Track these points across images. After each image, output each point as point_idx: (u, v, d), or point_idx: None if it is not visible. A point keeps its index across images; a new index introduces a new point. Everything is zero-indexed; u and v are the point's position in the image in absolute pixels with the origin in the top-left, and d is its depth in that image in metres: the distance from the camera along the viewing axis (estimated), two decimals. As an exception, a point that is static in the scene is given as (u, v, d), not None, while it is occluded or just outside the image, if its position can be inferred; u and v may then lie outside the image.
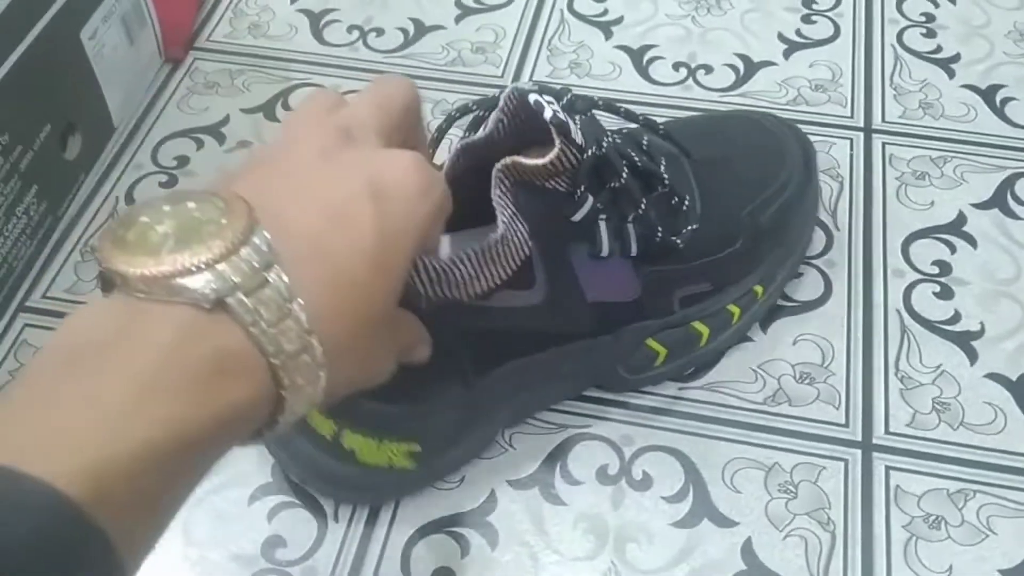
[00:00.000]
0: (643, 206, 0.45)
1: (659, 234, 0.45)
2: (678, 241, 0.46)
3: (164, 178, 0.61)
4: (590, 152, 0.42)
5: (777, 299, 0.53)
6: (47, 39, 0.55)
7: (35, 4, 0.54)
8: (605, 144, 0.43)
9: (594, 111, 0.44)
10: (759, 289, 0.51)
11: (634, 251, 0.45)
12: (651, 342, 0.48)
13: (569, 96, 0.44)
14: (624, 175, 0.44)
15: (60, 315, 0.54)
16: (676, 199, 0.47)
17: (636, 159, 0.45)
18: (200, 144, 0.63)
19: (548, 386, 0.49)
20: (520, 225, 0.42)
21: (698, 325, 0.49)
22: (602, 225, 0.44)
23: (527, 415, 0.49)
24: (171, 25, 0.68)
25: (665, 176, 0.46)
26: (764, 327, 0.53)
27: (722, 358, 0.52)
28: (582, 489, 0.47)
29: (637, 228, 0.45)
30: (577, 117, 0.43)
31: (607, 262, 0.45)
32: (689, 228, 0.47)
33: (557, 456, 0.49)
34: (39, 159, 0.55)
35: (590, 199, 0.43)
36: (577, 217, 0.43)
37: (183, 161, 0.62)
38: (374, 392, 0.36)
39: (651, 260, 0.46)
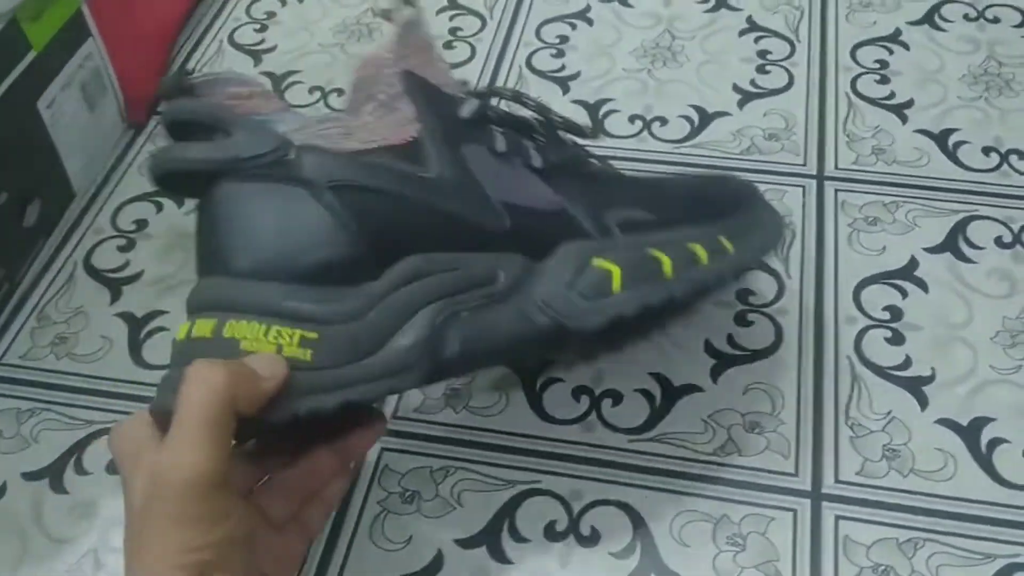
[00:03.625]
0: (540, 138, 0.46)
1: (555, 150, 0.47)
2: (583, 127, 0.48)
3: (123, 242, 0.61)
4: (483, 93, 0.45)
5: (753, 265, 0.55)
6: (3, 110, 0.56)
7: (-10, 76, 0.55)
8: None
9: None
10: (726, 243, 0.48)
11: (537, 162, 0.45)
12: (598, 260, 0.45)
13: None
14: (533, 100, 0.47)
15: (15, 381, 0.55)
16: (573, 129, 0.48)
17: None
18: (160, 207, 0.63)
19: (488, 312, 0.43)
20: (404, 105, 0.42)
21: (654, 251, 0.46)
22: (497, 132, 0.45)
23: (475, 344, 0.42)
24: (134, 90, 0.68)
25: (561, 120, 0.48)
26: (714, 377, 0.53)
27: (672, 408, 0.52)
28: (530, 547, 0.47)
29: (537, 149, 0.46)
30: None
31: (512, 169, 0.45)
32: (585, 126, 0.48)
33: (505, 513, 0.48)
34: (-5, 227, 0.56)
35: (475, 100, 0.44)
36: (466, 112, 0.44)
37: (142, 224, 0.62)
38: (264, 274, 0.38)
39: (562, 180, 0.46)
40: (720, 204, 0.51)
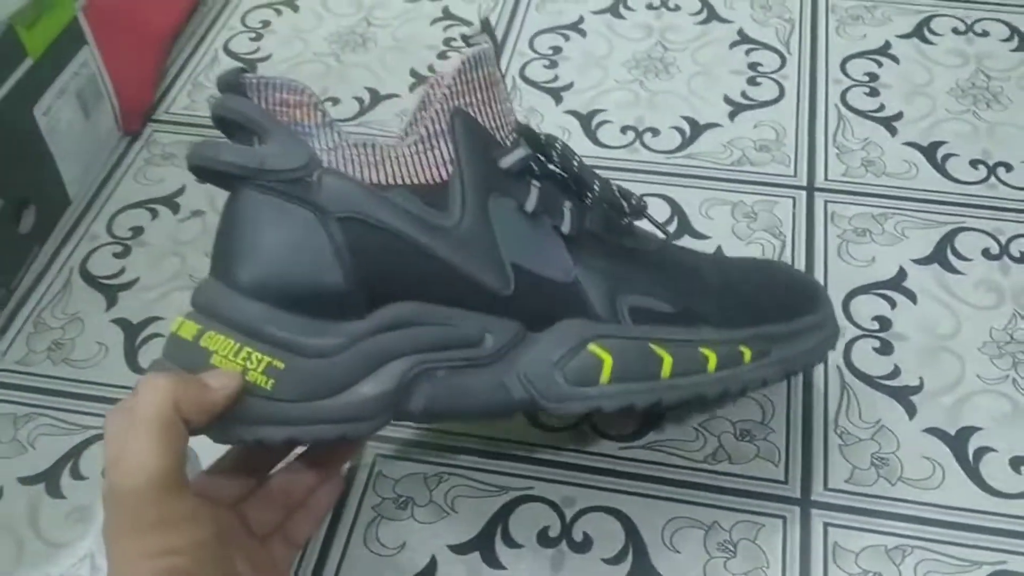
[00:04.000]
0: (589, 197, 0.44)
1: (588, 202, 0.44)
2: (625, 210, 0.45)
3: (118, 248, 0.62)
4: (539, 136, 0.44)
5: (778, 381, 0.50)
6: None
7: (-13, 83, 0.55)
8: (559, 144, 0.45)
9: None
10: (746, 351, 0.46)
11: (567, 227, 0.43)
12: (594, 346, 0.44)
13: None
14: (578, 160, 0.44)
15: (11, 387, 0.55)
16: (624, 199, 0.45)
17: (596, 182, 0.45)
18: (155, 214, 0.64)
19: (464, 377, 0.42)
20: (444, 144, 0.41)
21: (657, 347, 0.44)
22: (534, 188, 0.43)
23: (443, 405, 0.42)
24: (129, 98, 0.69)
25: (615, 188, 0.45)
26: (706, 386, 0.53)
27: (664, 416, 0.52)
28: (523, 553, 0.48)
29: (575, 212, 0.44)
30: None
31: (536, 230, 0.43)
32: (628, 216, 0.45)
33: (498, 519, 0.49)
34: (-9, 233, 0.56)
35: (525, 148, 0.43)
36: (507, 162, 0.42)
37: (137, 231, 0.63)
38: (256, 292, 0.39)
39: (586, 250, 0.44)
40: (763, 304, 0.48)
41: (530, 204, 0.43)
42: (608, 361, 0.43)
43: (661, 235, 0.49)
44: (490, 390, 0.43)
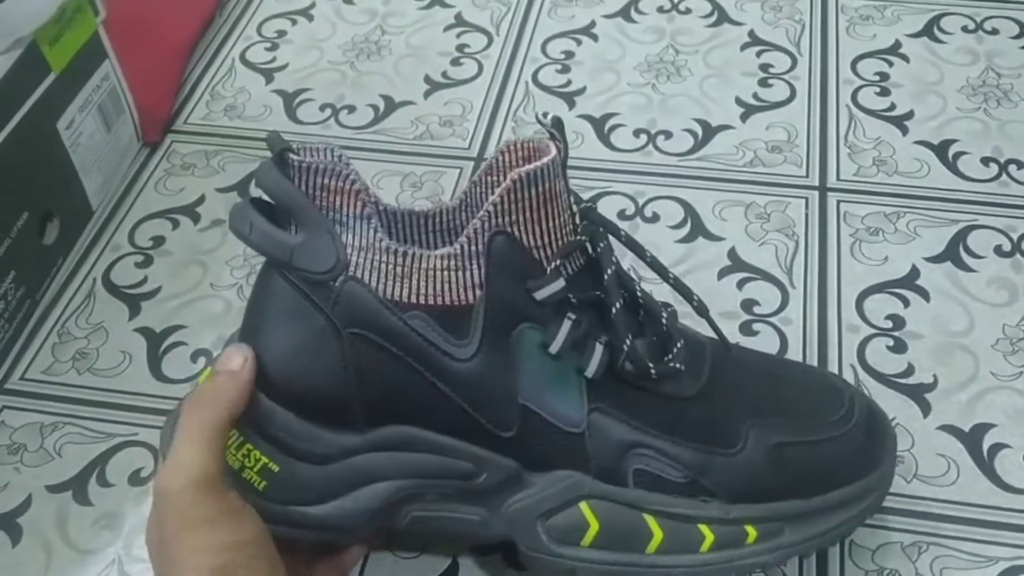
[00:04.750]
0: (628, 342, 0.41)
1: (626, 362, 0.40)
2: (652, 370, 0.41)
3: (140, 258, 0.63)
4: (591, 250, 0.41)
5: (777, 564, 0.46)
6: (24, 131, 0.57)
7: (11, 98, 0.56)
8: (614, 263, 0.41)
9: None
10: (751, 531, 0.42)
11: (592, 370, 0.40)
12: (585, 506, 0.42)
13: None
14: (619, 303, 0.40)
15: (38, 396, 0.56)
16: (659, 339, 0.42)
17: (639, 293, 0.42)
18: (176, 224, 0.65)
19: (451, 503, 0.43)
20: (477, 267, 0.39)
21: (651, 520, 0.42)
22: (567, 322, 0.40)
23: (426, 527, 0.43)
24: (149, 110, 0.70)
25: (664, 320, 0.42)
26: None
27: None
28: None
29: (606, 352, 0.41)
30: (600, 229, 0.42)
31: (557, 370, 0.41)
32: (671, 362, 0.41)
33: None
34: (16, 246, 0.57)
35: (561, 281, 0.40)
36: (541, 295, 0.40)
37: (159, 241, 0.64)
38: (268, 388, 0.40)
39: (608, 395, 0.41)
40: (798, 474, 0.43)
41: (555, 346, 0.40)
42: (595, 527, 0.42)
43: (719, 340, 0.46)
44: (474, 524, 0.43)
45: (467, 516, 0.43)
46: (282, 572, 0.39)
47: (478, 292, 0.39)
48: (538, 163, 0.39)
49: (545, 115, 0.41)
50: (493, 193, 0.39)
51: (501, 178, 0.40)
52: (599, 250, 0.41)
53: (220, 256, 0.62)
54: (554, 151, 0.39)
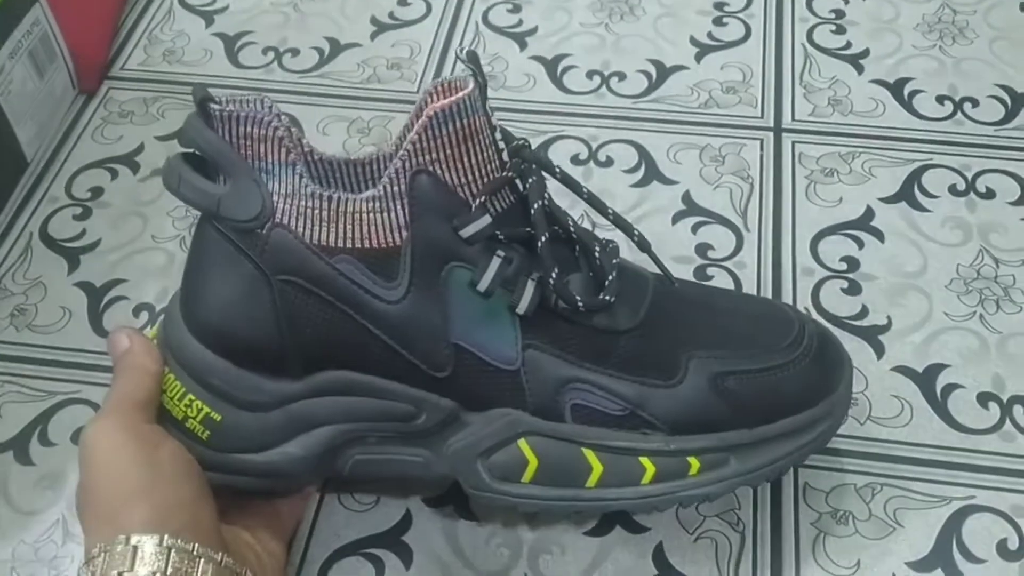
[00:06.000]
0: (553, 276, 0.40)
1: (555, 300, 0.40)
2: (580, 303, 0.41)
3: (78, 210, 0.61)
4: (521, 187, 0.40)
5: (721, 495, 0.44)
6: (-52, 78, 0.55)
7: (-67, 44, 0.54)
8: (545, 199, 0.40)
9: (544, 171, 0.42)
10: (694, 463, 0.42)
11: (523, 307, 0.40)
12: (524, 443, 0.42)
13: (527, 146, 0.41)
14: (544, 236, 0.40)
15: (-25, 355, 0.54)
16: (595, 274, 0.42)
17: (572, 227, 0.41)
18: (115, 174, 0.63)
19: (393, 445, 0.43)
20: (400, 208, 0.39)
21: (590, 454, 0.42)
22: (495, 260, 0.40)
23: (368, 471, 0.44)
24: (84, 56, 0.67)
25: (597, 254, 0.42)
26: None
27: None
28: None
29: (538, 289, 0.40)
30: (525, 164, 0.41)
31: (487, 308, 0.40)
32: (604, 297, 0.41)
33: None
34: (-54, 199, 0.55)
35: (487, 218, 0.39)
36: (466, 232, 0.39)
37: (97, 192, 0.62)
38: (208, 340, 0.40)
39: (541, 330, 0.41)
40: (747, 404, 0.42)
41: (483, 283, 0.39)
42: (534, 463, 0.42)
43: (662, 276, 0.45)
44: (416, 465, 0.43)
45: (409, 458, 0.43)
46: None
47: (404, 233, 0.39)
48: (452, 98, 0.38)
49: (462, 50, 0.41)
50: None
51: (399, 165, 0.40)
52: (528, 185, 0.41)
53: (161, 207, 0.61)
54: (471, 85, 0.39)
